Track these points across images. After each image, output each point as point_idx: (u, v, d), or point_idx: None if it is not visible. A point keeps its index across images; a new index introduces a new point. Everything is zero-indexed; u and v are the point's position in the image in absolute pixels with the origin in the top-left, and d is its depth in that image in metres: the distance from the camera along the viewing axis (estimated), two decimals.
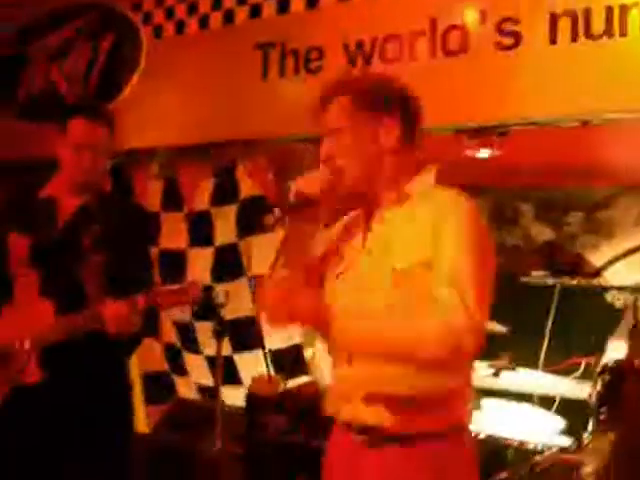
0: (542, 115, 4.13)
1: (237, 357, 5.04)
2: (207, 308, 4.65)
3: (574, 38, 3.98)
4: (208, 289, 4.73)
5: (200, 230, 5.19)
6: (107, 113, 3.91)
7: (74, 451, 3.59)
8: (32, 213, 3.76)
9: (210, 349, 5.00)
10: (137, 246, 3.82)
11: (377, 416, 2.58)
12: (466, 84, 4.19)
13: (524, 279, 4.92)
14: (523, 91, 4.10)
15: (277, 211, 2.65)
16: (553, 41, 4.02)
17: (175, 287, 3.26)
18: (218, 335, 2.90)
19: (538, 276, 4.93)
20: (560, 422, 4.27)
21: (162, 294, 3.25)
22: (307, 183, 2.68)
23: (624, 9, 3.87)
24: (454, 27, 4.29)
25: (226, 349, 3.39)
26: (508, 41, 4.13)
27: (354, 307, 2.56)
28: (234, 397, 4.85)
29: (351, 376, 2.65)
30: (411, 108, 2.69)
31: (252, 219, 4.99)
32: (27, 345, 3.55)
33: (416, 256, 2.52)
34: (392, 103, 2.66)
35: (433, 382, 2.53)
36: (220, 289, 2.88)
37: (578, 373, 4.25)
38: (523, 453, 4.07)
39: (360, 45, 4.52)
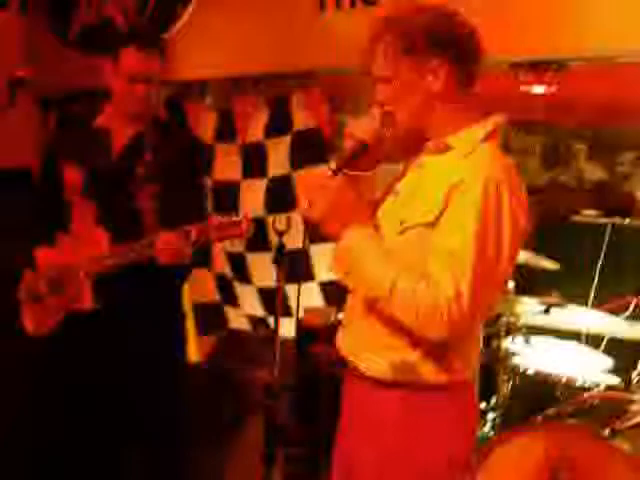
0: (601, 50, 4.07)
1: (288, 288, 5.07)
2: (260, 240, 4.68)
3: None
4: (260, 221, 4.77)
5: (253, 161, 5.18)
6: (158, 40, 3.89)
7: (127, 378, 3.67)
8: (86, 143, 3.79)
9: (261, 280, 5.06)
10: (192, 176, 3.84)
11: (378, 366, 2.62)
12: (522, 17, 4.09)
13: (576, 218, 4.90)
14: (582, 25, 4.02)
15: (333, 163, 2.62)
16: None
17: (227, 220, 3.25)
18: (279, 263, 2.86)
19: (590, 215, 4.91)
20: (608, 361, 4.27)
21: (214, 227, 3.25)
22: (360, 128, 2.62)
23: None
24: None
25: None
26: None
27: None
28: (285, 328, 4.89)
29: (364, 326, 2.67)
30: (466, 49, 2.51)
31: (305, 151, 5.00)
32: (81, 272, 3.60)
33: (422, 218, 2.46)
34: (442, 44, 2.47)
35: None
36: (281, 217, 2.85)
37: (628, 312, 4.22)
38: (571, 390, 4.08)
39: None
